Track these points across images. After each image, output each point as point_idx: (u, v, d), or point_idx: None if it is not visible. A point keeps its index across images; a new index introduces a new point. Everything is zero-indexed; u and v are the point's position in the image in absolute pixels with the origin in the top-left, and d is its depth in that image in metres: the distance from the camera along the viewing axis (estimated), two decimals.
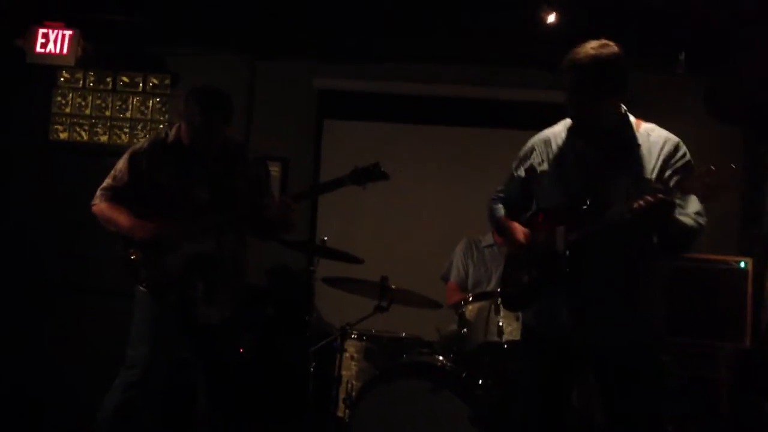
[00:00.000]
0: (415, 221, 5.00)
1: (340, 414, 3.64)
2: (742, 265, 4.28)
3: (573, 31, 4.11)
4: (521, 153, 2.85)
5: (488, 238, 4.28)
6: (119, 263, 3.19)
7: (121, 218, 3.15)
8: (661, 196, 2.34)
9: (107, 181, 3.25)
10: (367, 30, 4.77)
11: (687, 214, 2.49)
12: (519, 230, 2.75)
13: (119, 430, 3.09)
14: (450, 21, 4.53)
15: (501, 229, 2.89)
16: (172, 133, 3.23)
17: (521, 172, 2.83)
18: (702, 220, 2.52)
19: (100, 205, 3.22)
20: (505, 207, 2.89)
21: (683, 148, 2.58)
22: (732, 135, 4.88)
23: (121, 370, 3.15)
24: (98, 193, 3.25)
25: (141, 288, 3.18)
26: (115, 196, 3.20)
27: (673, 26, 4.31)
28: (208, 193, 3.18)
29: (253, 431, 3.90)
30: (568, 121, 2.73)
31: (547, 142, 2.76)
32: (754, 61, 4.28)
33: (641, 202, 2.35)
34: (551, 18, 3.91)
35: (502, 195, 2.93)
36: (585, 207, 2.54)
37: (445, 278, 4.30)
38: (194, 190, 3.17)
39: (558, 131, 2.76)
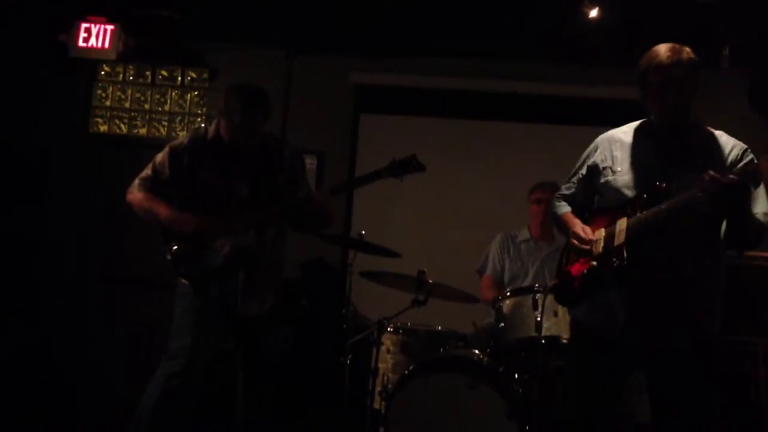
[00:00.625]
0: (451, 215, 5.00)
1: (376, 406, 3.65)
2: None
3: (615, 27, 4.13)
4: (585, 152, 2.86)
5: (524, 233, 4.26)
6: (160, 255, 3.21)
7: (161, 209, 3.17)
8: (734, 176, 2.32)
9: (146, 172, 3.26)
10: (403, 25, 4.78)
11: (756, 213, 2.48)
12: (579, 225, 2.73)
13: (161, 420, 3.11)
14: (486, 16, 4.52)
15: (562, 226, 2.88)
16: (211, 129, 3.25)
17: (584, 170, 2.83)
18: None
19: (137, 194, 3.23)
20: (569, 205, 2.88)
21: (751, 154, 2.58)
22: None
23: (162, 361, 3.17)
24: (136, 182, 3.26)
25: (182, 281, 3.20)
26: (153, 187, 3.22)
27: (718, 20, 4.25)
28: (247, 188, 3.20)
29: (289, 422, 3.92)
30: (635, 123, 2.75)
31: (612, 142, 2.76)
32: None
33: (714, 180, 2.32)
34: (593, 13, 3.88)
35: (565, 193, 2.92)
36: (645, 197, 2.53)
37: (481, 272, 4.29)
38: (234, 186, 3.19)
39: (625, 131, 2.76)
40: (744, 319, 4.13)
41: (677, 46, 2.57)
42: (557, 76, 4.98)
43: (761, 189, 2.50)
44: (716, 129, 2.65)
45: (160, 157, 3.26)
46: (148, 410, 3.12)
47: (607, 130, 4.24)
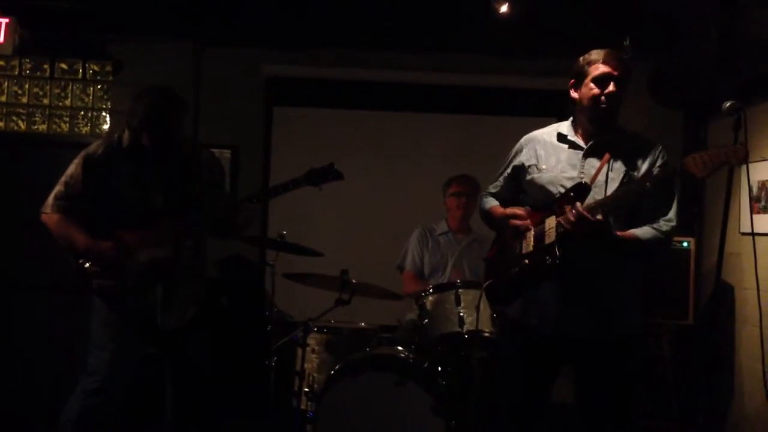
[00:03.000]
0: (369, 210, 5.00)
1: (303, 407, 3.66)
2: (685, 245, 4.45)
3: (528, 20, 4.21)
4: (511, 151, 2.96)
5: (442, 226, 4.33)
6: (73, 272, 3.09)
7: (78, 238, 3.04)
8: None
9: (59, 188, 3.11)
10: (315, 16, 4.71)
11: (652, 227, 2.64)
12: (510, 209, 2.83)
13: None
14: (400, 7, 4.51)
15: (491, 218, 2.96)
16: (126, 136, 3.13)
17: (509, 170, 2.93)
18: (668, 226, 2.66)
19: (52, 216, 3.08)
20: (495, 201, 2.98)
21: (663, 151, 2.75)
22: (674, 118, 5.04)
23: (82, 377, 3.07)
24: (50, 201, 3.10)
25: (96, 297, 3.10)
26: (68, 206, 3.07)
27: (619, 11, 4.40)
28: (163, 198, 3.11)
29: (216, 427, 3.87)
30: (558, 124, 2.86)
31: (536, 141, 2.87)
32: (697, 45, 4.40)
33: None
34: (504, 8, 3.95)
35: (492, 191, 3.02)
36: (571, 195, 2.63)
37: (401, 267, 4.34)
38: (150, 196, 3.10)
39: (547, 131, 2.87)
40: (649, 302, 4.36)
41: (603, 49, 2.72)
42: (471, 67, 5.03)
43: (671, 193, 2.66)
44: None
45: (72, 169, 3.11)
46: (68, 428, 3.02)
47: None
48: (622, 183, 2.65)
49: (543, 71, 4.85)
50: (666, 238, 2.66)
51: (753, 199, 4.14)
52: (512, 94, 5.03)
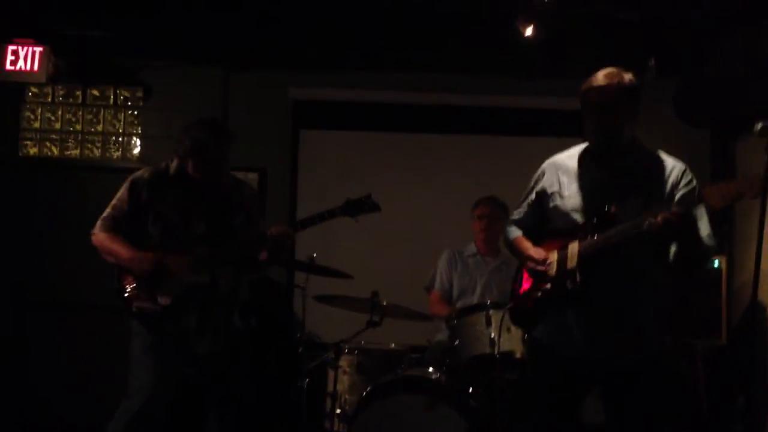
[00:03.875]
0: (397, 232, 5.00)
1: (335, 429, 3.67)
2: (716, 264, 4.41)
3: (549, 40, 4.24)
4: (533, 177, 2.93)
5: (471, 248, 4.34)
6: (115, 294, 3.16)
7: (121, 251, 3.15)
8: (678, 210, 2.43)
9: (107, 211, 3.24)
10: (341, 40, 4.78)
11: (702, 236, 2.59)
12: (531, 249, 2.81)
13: None
14: (424, 30, 4.56)
15: (515, 250, 2.95)
16: (173, 165, 3.25)
17: (533, 196, 2.90)
18: (713, 242, 2.63)
19: (99, 235, 3.21)
20: (521, 230, 2.95)
21: (690, 174, 2.69)
22: (700, 137, 5.01)
23: (123, 400, 3.12)
24: (98, 223, 3.24)
25: (135, 320, 3.17)
26: (114, 225, 3.20)
27: (643, 32, 4.41)
28: (205, 226, 3.20)
29: None
30: (580, 147, 2.83)
31: (558, 166, 2.84)
32: (722, 64, 4.40)
33: (665, 215, 2.43)
34: (529, 31, 3.98)
35: (516, 218, 2.98)
36: (594, 221, 2.62)
37: (429, 288, 4.35)
38: (192, 223, 3.19)
39: (570, 155, 2.85)
40: (681, 321, 4.33)
41: (615, 70, 2.66)
42: (498, 88, 5.06)
43: (703, 212, 2.61)
44: (645, 138, 2.77)
45: (120, 192, 3.25)
46: None
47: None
48: (644, 208, 2.58)
49: (570, 91, 4.85)
50: (713, 250, 2.65)
51: None
52: (540, 114, 5.04)
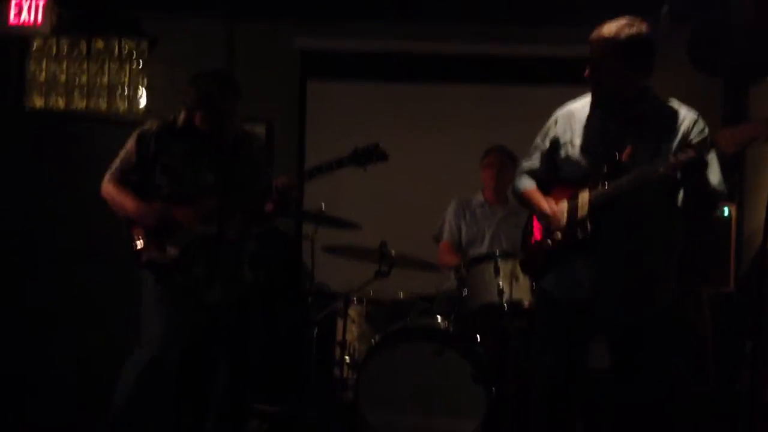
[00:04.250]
0: (405, 182, 4.97)
1: (344, 376, 3.72)
2: (726, 211, 4.39)
3: None
4: (545, 126, 2.91)
5: (479, 197, 4.33)
6: (124, 246, 3.19)
7: (128, 202, 3.16)
8: (692, 153, 2.41)
9: (116, 163, 3.25)
10: None
11: (711, 182, 2.57)
12: (543, 200, 2.79)
13: (138, 406, 3.13)
14: None
15: (525, 202, 2.93)
16: (181, 118, 3.23)
17: (546, 145, 2.88)
18: (723, 188, 2.62)
19: (107, 187, 3.22)
20: (532, 179, 2.93)
21: (703, 123, 2.66)
22: (714, 84, 4.93)
23: (135, 349, 3.17)
24: (107, 176, 3.24)
25: (146, 271, 3.19)
26: (122, 177, 3.21)
27: None
28: (212, 177, 3.21)
29: (259, 394, 3.96)
30: (589, 96, 2.79)
31: (569, 115, 2.82)
32: (737, 8, 4.31)
33: (678, 158, 2.42)
34: None
35: (526, 168, 2.96)
36: (605, 170, 2.61)
37: (438, 238, 4.35)
38: (199, 174, 3.19)
39: (581, 105, 2.82)
40: (690, 269, 4.33)
41: (624, 21, 2.61)
42: (508, 36, 4.97)
43: (714, 158, 2.59)
44: (658, 86, 2.72)
45: (128, 144, 3.24)
46: (124, 398, 3.13)
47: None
48: (654, 157, 2.58)
49: (581, 38, 4.77)
50: (723, 196, 2.63)
51: None
52: (550, 62, 4.95)
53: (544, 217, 2.77)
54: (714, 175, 2.59)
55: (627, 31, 2.58)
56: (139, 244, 3.15)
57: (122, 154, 3.24)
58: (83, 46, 5.09)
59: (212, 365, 3.36)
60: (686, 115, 2.67)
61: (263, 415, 3.86)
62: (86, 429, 3.57)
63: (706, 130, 2.64)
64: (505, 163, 4.22)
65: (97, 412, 3.32)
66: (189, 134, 3.20)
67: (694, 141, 2.58)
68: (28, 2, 4.49)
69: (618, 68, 2.60)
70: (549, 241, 2.77)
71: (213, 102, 3.13)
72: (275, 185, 3.09)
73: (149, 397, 3.16)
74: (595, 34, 2.63)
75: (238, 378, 3.32)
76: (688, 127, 2.64)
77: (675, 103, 2.73)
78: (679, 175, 2.48)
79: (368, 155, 3.12)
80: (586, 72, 2.68)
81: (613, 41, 2.58)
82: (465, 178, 4.54)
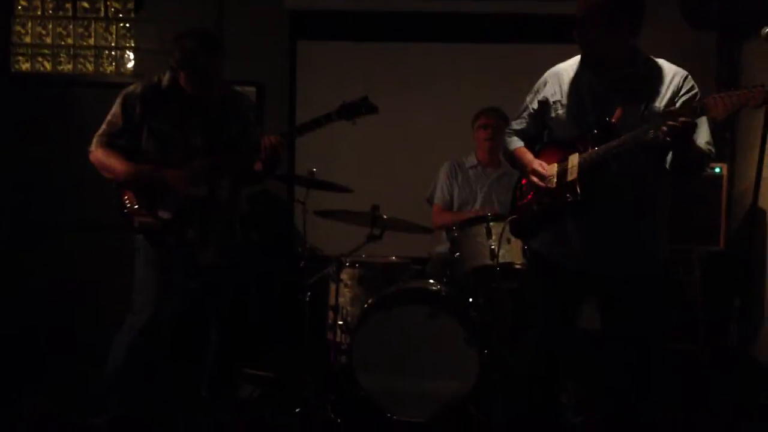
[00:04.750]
0: (397, 144, 4.96)
1: (338, 340, 3.74)
2: (717, 170, 4.40)
3: None
4: (535, 86, 2.90)
5: (471, 159, 4.31)
6: (115, 210, 3.18)
7: (117, 165, 3.13)
8: (684, 118, 2.40)
9: (102, 127, 3.21)
10: None
11: (699, 143, 2.58)
12: (536, 162, 2.79)
13: (131, 372, 3.16)
14: None
15: (515, 161, 2.93)
16: (166, 78, 3.19)
17: (535, 105, 2.87)
18: (713, 149, 2.62)
19: (95, 152, 3.19)
20: (521, 140, 2.93)
21: (692, 81, 2.65)
22: (707, 40, 4.90)
23: (128, 315, 3.19)
24: (94, 140, 3.21)
25: (138, 235, 3.18)
26: (110, 141, 3.17)
27: None
28: (201, 138, 3.18)
29: (253, 359, 3.99)
30: (578, 57, 2.78)
31: (559, 75, 2.81)
32: None
33: (665, 125, 2.41)
34: None
35: (516, 128, 2.96)
36: (595, 132, 2.61)
37: (431, 201, 4.35)
38: (188, 136, 3.17)
39: (570, 65, 2.80)
40: (680, 228, 4.35)
41: None
42: None
43: (704, 119, 2.59)
44: (651, 43, 2.73)
45: (114, 108, 3.21)
46: (118, 365, 3.16)
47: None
48: (643, 118, 2.57)
49: None
50: (711, 158, 2.63)
51: None
52: (541, 20, 4.88)
53: (534, 173, 2.77)
54: (703, 136, 2.60)
55: None
56: (131, 207, 3.13)
57: (108, 118, 3.20)
58: (68, 6, 5.00)
59: (205, 328, 3.38)
60: (676, 73, 2.66)
61: (256, 379, 3.89)
62: (81, 394, 3.59)
63: (696, 88, 2.65)
64: (498, 124, 4.19)
65: (91, 378, 3.35)
66: (175, 95, 3.16)
67: (684, 99, 2.59)
68: None
69: (605, 27, 2.58)
70: (538, 205, 2.77)
71: (197, 61, 3.08)
72: (263, 144, 3.07)
73: (143, 362, 3.18)
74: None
75: (228, 340, 3.33)
76: (678, 85, 2.64)
77: (664, 63, 2.71)
78: (666, 142, 2.47)
79: (357, 108, 3.11)
80: (575, 32, 2.65)
81: (603, 3, 2.55)
82: (457, 139, 4.52)
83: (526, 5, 4.91)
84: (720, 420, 3.57)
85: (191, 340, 3.63)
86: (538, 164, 2.77)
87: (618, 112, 2.61)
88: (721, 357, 4.57)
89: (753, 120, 4.56)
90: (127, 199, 3.15)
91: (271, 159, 3.14)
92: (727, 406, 3.69)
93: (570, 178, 2.65)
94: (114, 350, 3.17)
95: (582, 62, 2.77)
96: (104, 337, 3.24)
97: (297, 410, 3.53)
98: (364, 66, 4.88)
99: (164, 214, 3.13)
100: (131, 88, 3.22)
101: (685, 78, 2.65)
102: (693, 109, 2.45)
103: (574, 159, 2.66)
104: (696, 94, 2.62)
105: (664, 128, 2.41)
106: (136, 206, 3.14)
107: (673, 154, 2.61)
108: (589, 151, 2.62)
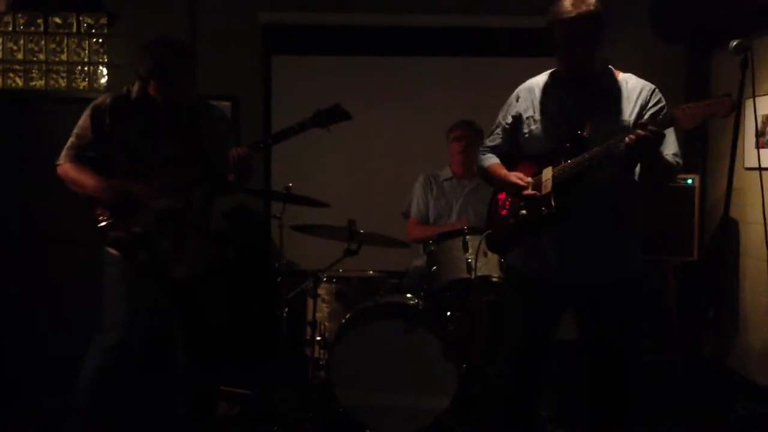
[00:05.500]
0: (372, 158, 4.96)
1: (316, 355, 3.72)
2: (689, 181, 4.45)
3: None
4: (507, 102, 2.92)
5: (446, 172, 4.33)
6: (88, 225, 3.13)
7: (87, 180, 3.09)
8: (652, 128, 2.43)
9: (71, 140, 3.16)
10: None
11: (666, 155, 2.63)
12: (512, 174, 2.80)
13: (102, 393, 3.10)
14: None
15: (489, 177, 2.94)
16: (135, 89, 3.15)
17: (508, 120, 2.89)
18: (680, 160, 2.67)
19: (64, 165, 3.14)
20: (496, 156, 2.94)
21: (659, 95, 2.71)
22: (677, 53, 4.97)
23: (98, 334, 3.12)
24: (63, 153, 3.16)
25: (110, 251, 3.13)
26: (79, 155, 3.13)
27: None
28: (173, 149, 3.13)
29: (230, 377, 3.95)
30: (551, 72, 2.83)
31: (531, 91, 2.84)
32: None
33: (634, 134, 2.45)
34: None
35: (490, 144, 2.97)
36: (567, 146, 2.64)
37: (407, 214, 4.36)
38: (159, 147, 3.12)
39: (541, 80, 2.84)
40: (654, 239, 4.40)
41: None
42: (471, 7, 4.92)
43: (671, 131, 2.64)
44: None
45: (82, 120, 3.16)
46: (89, 386, 3.10)
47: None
48: (614, 131, 2.60)
49: (545, 9, 4.76)
50: (677, 169, 2.67)
51: (758, 134, 4.12)
52: (514, 33, 4.92)
53: (510, 185, 2.78)
54: (670, 147, 2.65)
55: (593, 3, 2.59)
56: (103, 222, 3.09)
57: (76, 131, 3.16)
58: (40, 22, 4.95)
59: (174, 343, 3.34)
60: (643, 87, 2.72)
61: (233, 396, 3.85)
62: (52, 413, 3.53)
63: (663, 101, 2.71)
64: (471, 136, 4.22)
65: (63, 397, 3.28)
66: (145, 106, 3.12)
67: (651, 111, 2.65)
68: None
69: (594, 41, 2.62)
70: (513, 219, 2.79)
71: (167, 68, 3.04)
72: (231, 156, 3.05)
73: (115, 381, 3.12)
74: (569, 11, 2.58)
75: (197, 356, 3.29)
76: (646, 99, 2.69)
77: (631, 77, 2.76)
78: (635, 152, 2.50)
79: (330, 115, 3.11)
80: (558, 47, 2.66)
81: (591, 15, 2.58)
82: (432, 153, 4.53)
83: (496, 20, 4.94)
84: (697, 430, 3.60)
85: (162, 355, 3.57)
86: (515, 176, 2.79)
87: (588, 126, 2.64)
88: (697, 367, 4.62)
89: (723, 130, 4.64)
90: (99, 214, 3.10)
91: (241, 170, 3.12)
92: (703, 416, 3.73)
93: (544, 191, 2.68)
94: (84, 370, 3.11)
95: (553, 77, 2.80)
96: (77, 353, 3.17)
97: (275, 428, 3.50)
98: (339, 80, 4.88)
99: (137, 228, 3.09)
100: (100, 100, 3.18)
101: (653, 92, 2.72)
102: (662, 120, 2.49)
103: (547, 172, 2.68)
104: (663, 107, 2.69)
105: (632, 136, 2.45)
106: (109, 221, 3.09)
107: (641, 165, 2.65)
108: (562, 164, 2.64)
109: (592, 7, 2.58)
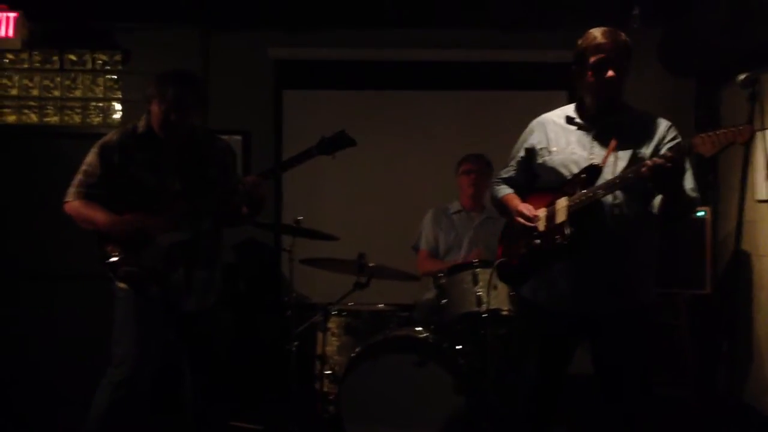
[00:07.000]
0: (382, 191, 4.98)
1: (325, 390, 3.70)
2: (701, 214, 4.43)
3: None
4: (522, 136, 2.96)
5: (456, 205, 4.34)
6: (97, 261, 3.14)
7: (98, 216, 3.11)
8: (669, 155, 2.45)
9: (78, 177, 3.19)
10: None
11: (686, 189, 2.63)
12: (521, 205, 2.83)
13: (112, 430, 3.08)
14: None
15: (503, 208, 2.96)
16: (141, 124, 3.19)
17: (522, 152, 2.93)
18: (697, 195, 2.68)
19: (73, 203, 3.16)
20: (510, 188, 2.98)
21: (675, 131, 2.74)
22: (685, 87, 4.99)
23: (109, 369, 3.12)
24: (70, 190, 3.18)
25: (120, 285, 3.15)
26: (87, 192, 3.15)
27: None
28: (180, 182, 3.16)
29: (239, 410, 3.93)
30: (568, 106, 2.87)
31: (544, 124, 2.88)
32: (707, 12, 4.36)
33: (655, 160, 2.45)
34: None
35: (504, 176, 3.01)
36: (582, 176, 2.66)
37: (416, 248, 4.36)
38: (166, 181, 3.15)
39: (558, 113, 2.88)
40: (666, 273, 4.37)
41: (612, 29, 2.71)
42: (481, 42, 4.98)
43: (688, 165, 2.64)
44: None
45: (90, 157, 3.18)
46: (99, 423, 3.08)
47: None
48: (630, 163, 2.63)
49: (554, 44, 4.81)
50: (697, 203, 2.68)
51: None
52: (523, 67, 4.97)
53: (523, 217, 2.79)
54: (687, 182, 2.65)
55: (624, 35, 2.69)
56: (114, 257, 3.10)
57: (84, 168, 3.18)
58: (56, 59, 5.04)
59: (182, 377, 3.33)
60: (660, 122, 2.75)
61: None
62: None
63: (679, 137, 2.72)
64: (481, 170, 4.24)
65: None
66: (150, 140, 3.15)
67: (668, 146, 2.65)
68: None
69: (626, 71, 2.70)
70: (527, 249, 2.79)
71: (166, 90, 3.04)
72: (245, 182, 3.07)
73: (124, 417, 3.11)
74: (604, 40, 2.66)
75: (207, 390, 3.28)
76: (663, 133, 2.72)
77: (648, 112, 2.80)
78: (654, 182, 2.50)
79: (335, 143, 3.12)
80: (586, 80, 2.71)
81: (625, 44, 2.68)
82: (442, 186, 4.55)
83: (511, 54, 5.00)
84: None
85: (172, 391, 3.56)
86: (524, 207, 2.81)
87: (605, 157, 2.66)
88: (711, 401, 4.55)
89: (733, 163, 4.63)
90: (110, 249, 3.11)
91: (252, 199, 3.14)
92: None
93: (558, 220, 2.68)
94: (94, 407, 3.10)
95: (571, 112, 2.83)
96: (86, 389, 3.16)
97: None
98: (349, 114, 4.93)
99: (148, 263, 3.10)
100: (107, 137, 3.21)
101: (669, 127, 2.75)
102: (680, 147, 2.49)
103: (562, 202, 2.70)
104: (679, 143, 2.66)
105: (648, 163, 2.45)
106: (121, 256, 3.11)
107: (662, 199, 2.64)
108: (577, 193, 2.65)
109: (625, 39, 2.68)
